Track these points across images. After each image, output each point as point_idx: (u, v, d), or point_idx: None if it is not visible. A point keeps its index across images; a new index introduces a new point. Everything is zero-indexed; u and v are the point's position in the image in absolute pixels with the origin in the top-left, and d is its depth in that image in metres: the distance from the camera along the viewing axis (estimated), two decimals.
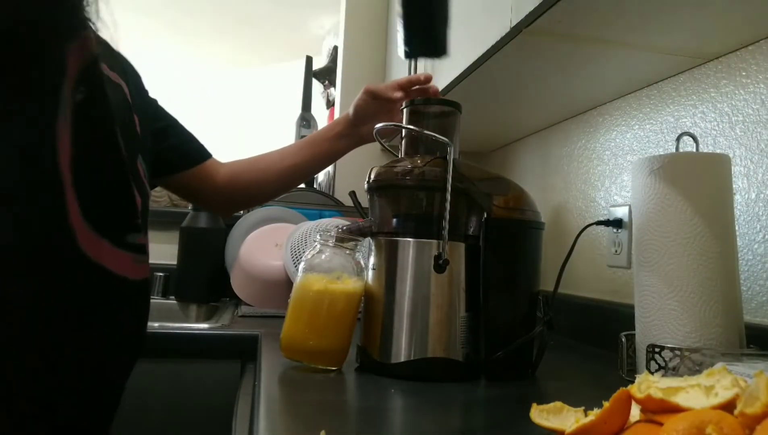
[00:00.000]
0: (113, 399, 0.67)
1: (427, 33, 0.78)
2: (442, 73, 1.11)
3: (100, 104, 0.60)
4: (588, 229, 1.10)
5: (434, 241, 0.71)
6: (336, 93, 2.06)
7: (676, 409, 0.36)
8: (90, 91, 0.58)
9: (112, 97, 0.63)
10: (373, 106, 0.95)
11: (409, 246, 0.72)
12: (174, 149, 0.94)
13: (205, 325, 1.12)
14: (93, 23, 0.59)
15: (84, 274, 0.58)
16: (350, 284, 0.73)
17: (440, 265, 0.70)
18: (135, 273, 0.64)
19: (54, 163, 0.56)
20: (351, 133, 0.99)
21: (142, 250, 0.66)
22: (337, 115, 1.99)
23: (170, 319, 1.50)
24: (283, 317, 0.75)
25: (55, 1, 0.54)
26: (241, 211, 1.73)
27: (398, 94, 0.92)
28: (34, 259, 0.54)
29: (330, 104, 2.32)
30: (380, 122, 0.83)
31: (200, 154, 0.98)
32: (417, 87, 0.92)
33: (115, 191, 0.62)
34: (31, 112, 0.55)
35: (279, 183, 1.02)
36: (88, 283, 0.59)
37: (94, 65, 0.59)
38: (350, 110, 0.98)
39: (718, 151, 0.87)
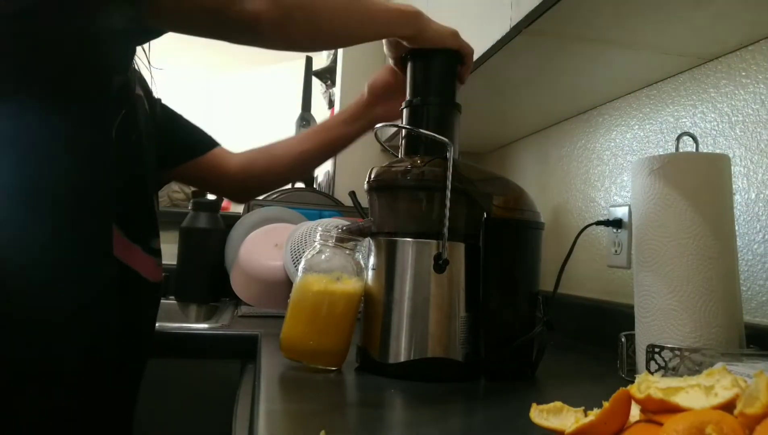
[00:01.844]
0: (131, 397, 0.68)
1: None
2: None
3: (132, 117, 0.63)
4: (588, 229, 1.10)
5: (434, 241, 0.71)
6: (336, 93, 2.06)
7: (676, 409, 0.36)
8: (126, 106, 0.62)
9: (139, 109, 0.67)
10: (395, 82, 0.90)
11: (409, 246, 0.72)
12: (180, 140, 0.95)
13: (205, 325, 1.12)
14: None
15: (116, 274, 0.60)
16: (350, 284, 0.73)
17: (440, 265, 0.70)
18: (155, 276, 0.67)
19: (111, 168, 0.58)
20: (364, 114, 0.95)
21: (160, 254, 0.69)
22: None
23: (170, 319, 1.50)
24: (283, 317, 0.75)
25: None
26: (241, 211, 1.73)
27: None
28: (76, 256, 0.56)
29: (332, 104, 2.32)
30: (397, 102, 0.82)
31: (205, 143, 0.98)
32: None
33: (141, 199, 0.65)
34: (94, 118, 0.58)
35: (292, 169, 1.01)
36: (121, 283, 0.60)
37: (127, 81, 0.62)
38: (365, 90, 0.95)
39: (718, 151, 0.87)
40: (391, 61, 0.83)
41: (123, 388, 0.67)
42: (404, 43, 0.77)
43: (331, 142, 0.98)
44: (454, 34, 0.78)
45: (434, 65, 0.79)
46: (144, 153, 0.66)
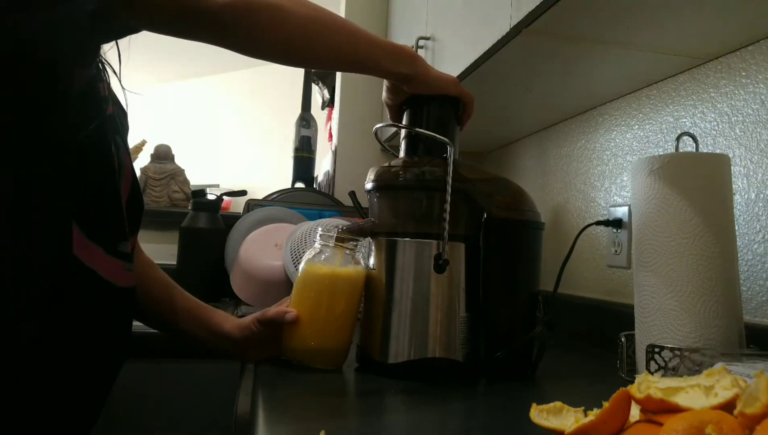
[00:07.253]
0: (98, 401, 0.67)
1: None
2: None
3: (102, 128, 0.62)
4: (588, 229, 1.10)
5: (434, 241, 0.71)
6: (336, 93, 2.06)
7: (675, 409, 0.36)
8: (98, 117, 0.61)
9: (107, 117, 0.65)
10: (264, 333, 0.76)
11: (409, 246, 0.72)
12: None
13: None
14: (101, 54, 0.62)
15: (75, 277, 0.59)
16: (352, 270, 0.73)
17: (440, 265, 0.70)
18: (124, 280, 0.66)
19: (63, 167, 0.58)
20: (245, 339, 0.79)
21: (130, 258, 0.68)
22: (336, 115, 1.99)
23: None
24: None
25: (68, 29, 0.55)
26: (241, 211, 1.73)
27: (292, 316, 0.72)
28: (34, 260, 0.56)
29: (325, 104, 2.32)
30: (267, 350, 0.76)
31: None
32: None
33: (109, 202, 0.64)
34: (54, 125, 0.57)
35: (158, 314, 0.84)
36: (79, 285, 0.60)
37: (92, 89, 0.61)
38: (255, 320, 0.78)
39: (717, 151, 0.87)
40: (388, 110, 0.80)
41: (82, 394, 0.65)
42: (404, 88, 0.75)
43: (198, 334, 0.82)
44: (455, 82, 0.76)
45: (435, 111, 0.77)
46: (111, 154, 0.64)
